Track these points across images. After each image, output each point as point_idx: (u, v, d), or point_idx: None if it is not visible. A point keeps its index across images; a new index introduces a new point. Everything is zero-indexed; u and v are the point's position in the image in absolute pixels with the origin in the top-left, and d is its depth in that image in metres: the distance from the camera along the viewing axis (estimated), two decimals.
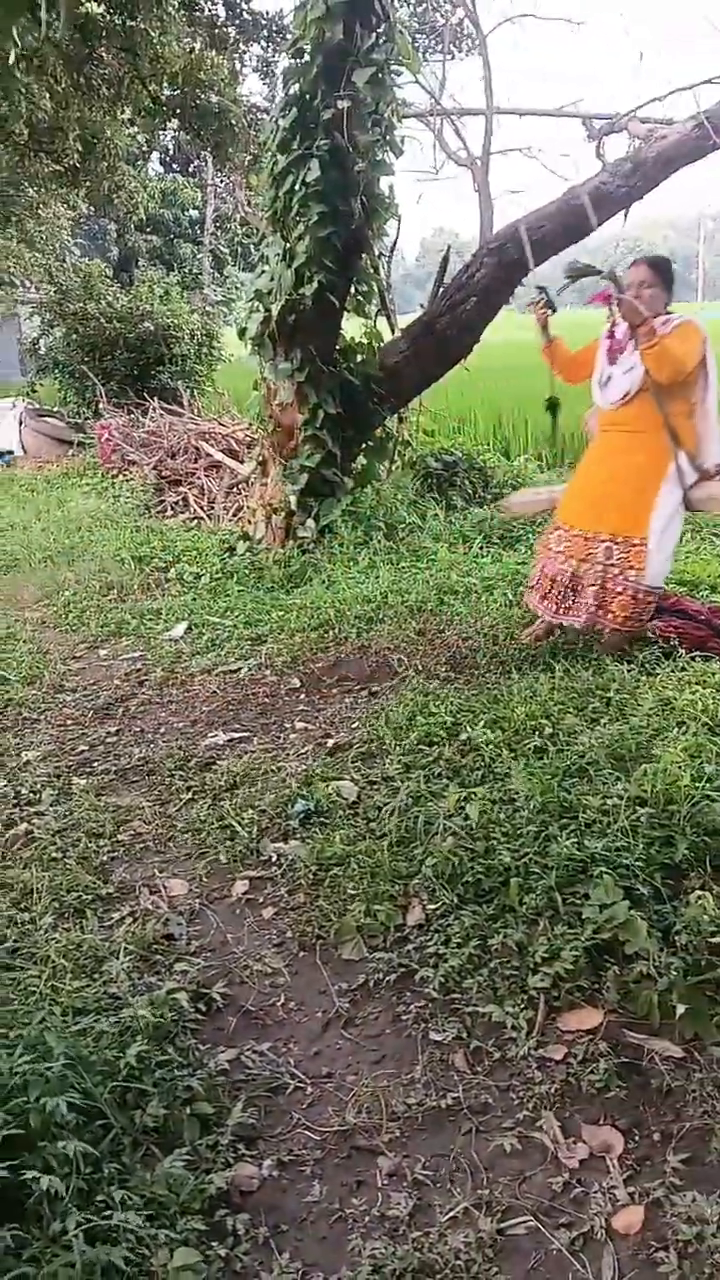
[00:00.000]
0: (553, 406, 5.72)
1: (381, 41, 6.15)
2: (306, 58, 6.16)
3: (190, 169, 28.73)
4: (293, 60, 6.23)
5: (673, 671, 4.31)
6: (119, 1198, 1.96)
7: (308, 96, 6.21)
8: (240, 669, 5.28)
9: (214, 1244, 1.95)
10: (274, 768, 4.00)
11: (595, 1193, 2.03)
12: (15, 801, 3.81)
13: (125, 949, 2.83)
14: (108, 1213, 1.92)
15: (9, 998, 2.46)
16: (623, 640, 4.64)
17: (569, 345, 5.08)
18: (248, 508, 7.85)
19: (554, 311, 5.05)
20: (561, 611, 4.76)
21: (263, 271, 6.76)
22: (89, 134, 13.11)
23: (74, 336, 14.00)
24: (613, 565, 4.57)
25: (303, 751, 4.16)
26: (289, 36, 12.59)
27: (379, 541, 6.84)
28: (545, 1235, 1.95)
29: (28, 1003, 2.47)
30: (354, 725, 4.33)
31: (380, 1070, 2.41)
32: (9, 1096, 2.03)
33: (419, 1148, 2.19)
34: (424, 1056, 2.43)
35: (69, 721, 4.73)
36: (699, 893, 2.65)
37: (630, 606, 4.56)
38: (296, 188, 6.19)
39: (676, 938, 2.56)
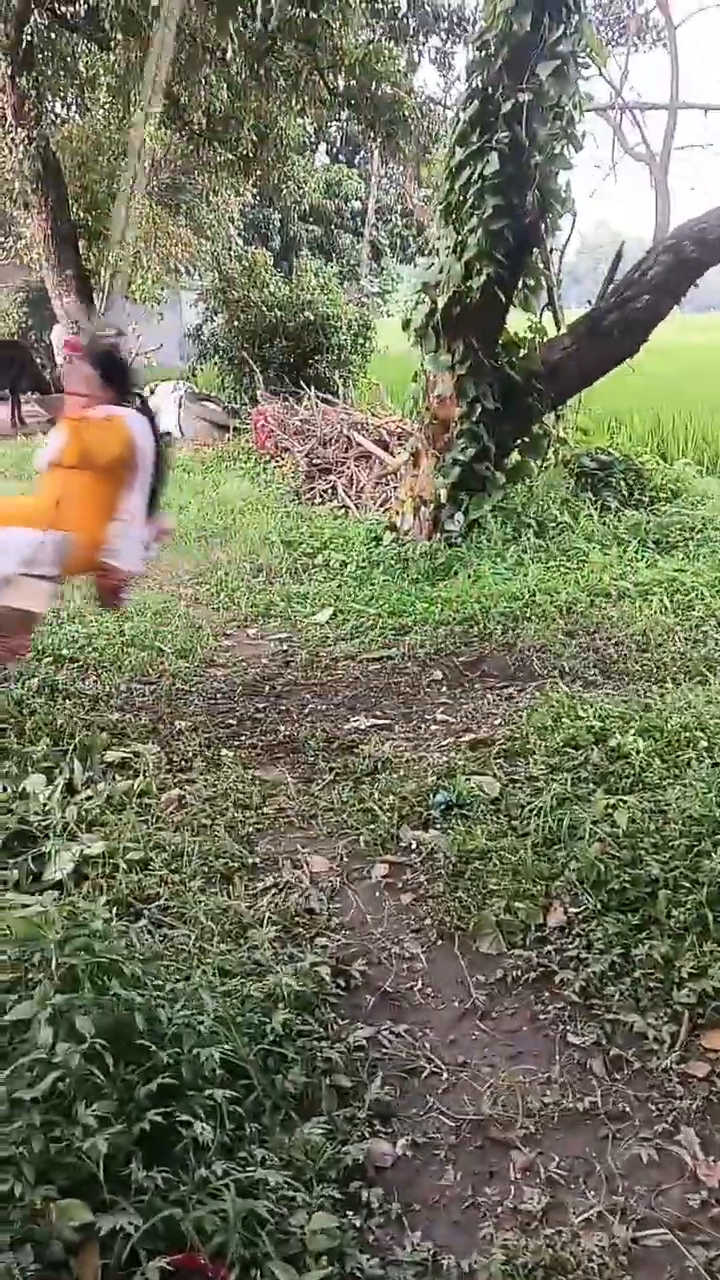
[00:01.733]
0: None
1: (568, 34, 6.06)
2: (491, 50, 6.13)
3: (355, 160, 29.00)
4: (478, 52, 6.21)
5: None
6: (260, 1156, 2.04)
7: (490, 89, 6.19)
8: (383, 657, 5.33)
9: (349, 1213, 2.00)
10: (415, 757, 4.03)
11: None
12: (169, 768, 3.96)
13: (269, 918, 2.92)
14: (249, 1168, 1.99)
15: (163, 953, 2.57)
16: None
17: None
18: (396, 499, 7.90)
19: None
20: None
21: (431, 264, 6.78)
22: (263, 124, 13.40)
23: (235, 324, 14.34)
24: None
25: (444, 744, 4.18)
26: (469, 28, 12.55)
27: (529, 539, 6.77)
28: (681, 1250, 1.92)
29: (180, 960, 2.58)
30: (496, 722, 4.32)
31: (517, 1066, 2.41)
32: (165, 1045, 2.13)
33: (554, 1146, 2.19)
34: (561, 1058, 2.42)
35: (219, 695, 4.89)
36: None
37: None
38: (473, 180, 6.18)
39: None
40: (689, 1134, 2.18)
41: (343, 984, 2.70)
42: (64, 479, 4.08)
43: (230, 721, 4.54)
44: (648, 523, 7.29)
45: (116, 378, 4.20)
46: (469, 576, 6.31)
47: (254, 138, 13.22)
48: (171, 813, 3.59)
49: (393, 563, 6.92)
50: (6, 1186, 1.80)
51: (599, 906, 2.83)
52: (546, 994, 2.64)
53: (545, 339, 7.11)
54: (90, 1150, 1.87)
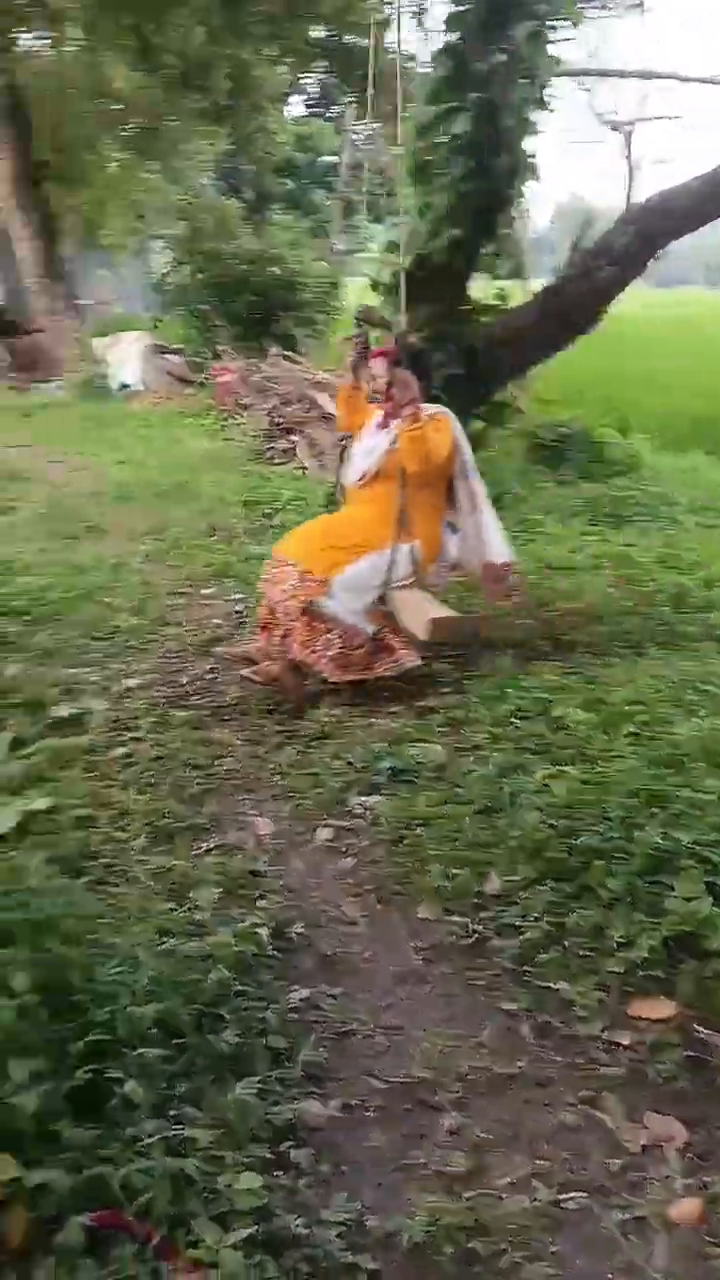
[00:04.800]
0: None
1: None
2: (469, 5, 6.02)
3: (328, 114, 28.40)
4: (455, 7, 6.09)
5: None
6: (191, 1115, 2.06)
7: (464, 47, 6.08)
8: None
9: (278, 1173, 2.03)
10: (364, 723, 4.05)
11: (653, 1180, 2.05)
12: (118, 725, 3.94)
13: (212, 879, 2.93)
14: (179, 1126, 2.01)
15: (103, 911, 2.57)
16: None
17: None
18: None
19: (367, 353, 4.32)
20: None
21: (396, 223, 6.69)
22: (238, 72, 13.07)
23: (201, 275, 14.08)
24: None
25: (392, 710, 4.19)
26: None
27: None
28: (600, 1213, 1.98)
29: (120, 918, 2.58)
30: (445, 690, 4.34)
31: (448, 1030, 2.45)
32: (100, 1003, 2.13)
33: (481, 1110, 2.23)
34: (492, 1023, 2.47)
35: (170, 655, 4.86)
36: None
37: None
38: (442, 140, 6.09)
39: None
40: (612, 1100, 2.23)
41: (282, 946, 2.72)
42: (397, 490, 4.07)
43: (181, 681, 4.52)
44: (603, 497, 7.33)
45: (422, 374, 4.22)
46: None
47: (228, 85, 12.89)
48: (118, 771, 3.58)
49: None
50: None
51: (535, 875, 2.88)
52: (481, 960, 2.68)
53: (509, 306, 7.07)
54: (20, 1105, 1.87)
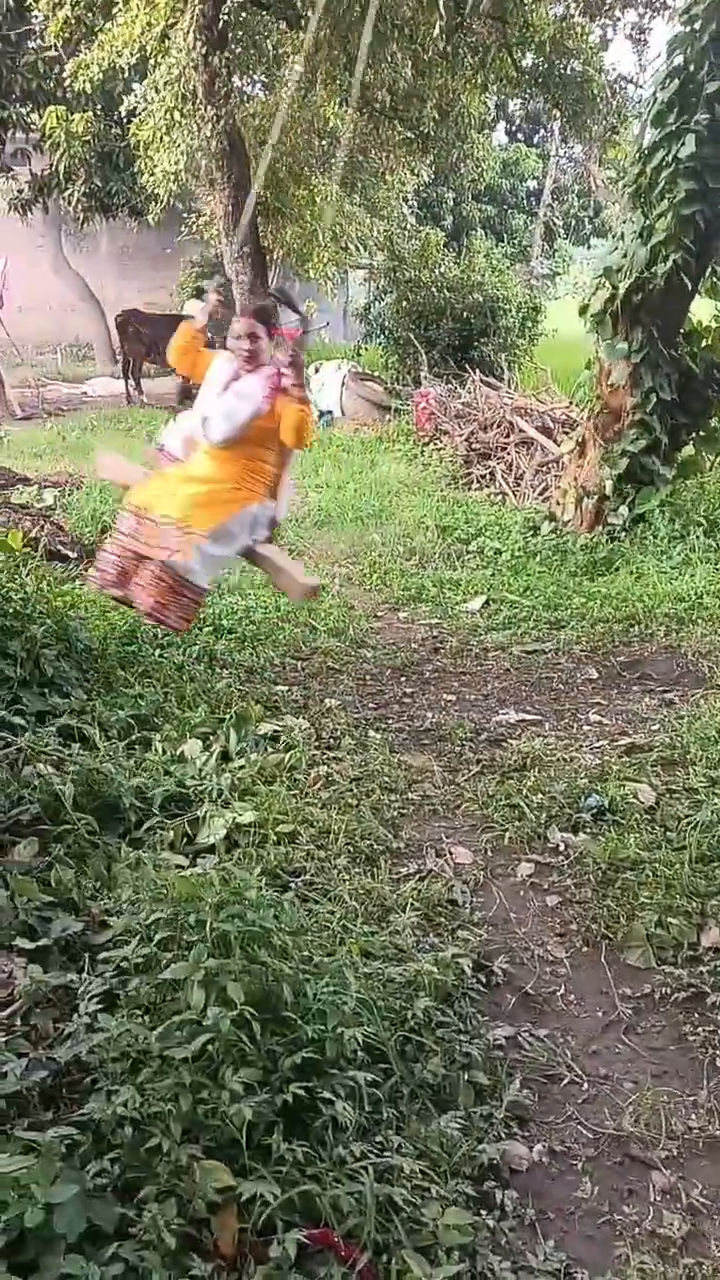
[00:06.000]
0: None
1: None
2: (698, 26, 5.86)
3: (534, 139, 28.36)
4: (682, 28, 5.94)
5: None
6: (396, 1142, 2.05)
7: (692, 68, 5.91)
8: (536, 651, 5.24)
9: (481, 1212, 1.98)
10: (566, 756, 3.95)
11: None
12: (318, 744, 4.01)
13: (412, 904, 2.92)
14: (386, 1153, 2.00)
15: (309, 927, 2.60)
16: None
17: None
18: (558, 488, 7.74)
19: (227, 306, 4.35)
20: None
21: (614, 248, 6.57)
22: (445, 101, 13.23)
23: (404, 304, 14.30)
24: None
25: (596, 745, 4.07)
26: (669, 2, 12.04)
27: (697, 538, 6.51)
28: None
29: (323, 936, 2.61)
30: (654, 728, 4.18)
31: (662, 1085, 2.34)
32: (309, 1020, 2.16)
33: (697, 1172, 2.11)
34: (711, 1082, 2.33)
35: (368, 676, 4.91)
36: None
37: None
38: (666, 163, 5.93)
39: None
40: None
41: (483, 980, 2.68)
42: (264, 453, 4.21)
43: (378, 703, 4.56)
44: None
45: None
46: (631, 573, 6.13)
47: (435, 115, 13.07)
48: (319, 789, 3.63)
49: (550, 554, 6.79)
50: (155, 1141, 1.87)
51: None
52: (697, 1015, 2.54)
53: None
54: (235, 1115, 1.91)
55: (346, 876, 3.07)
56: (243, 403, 4.09)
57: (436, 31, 7.60)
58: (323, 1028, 2.15)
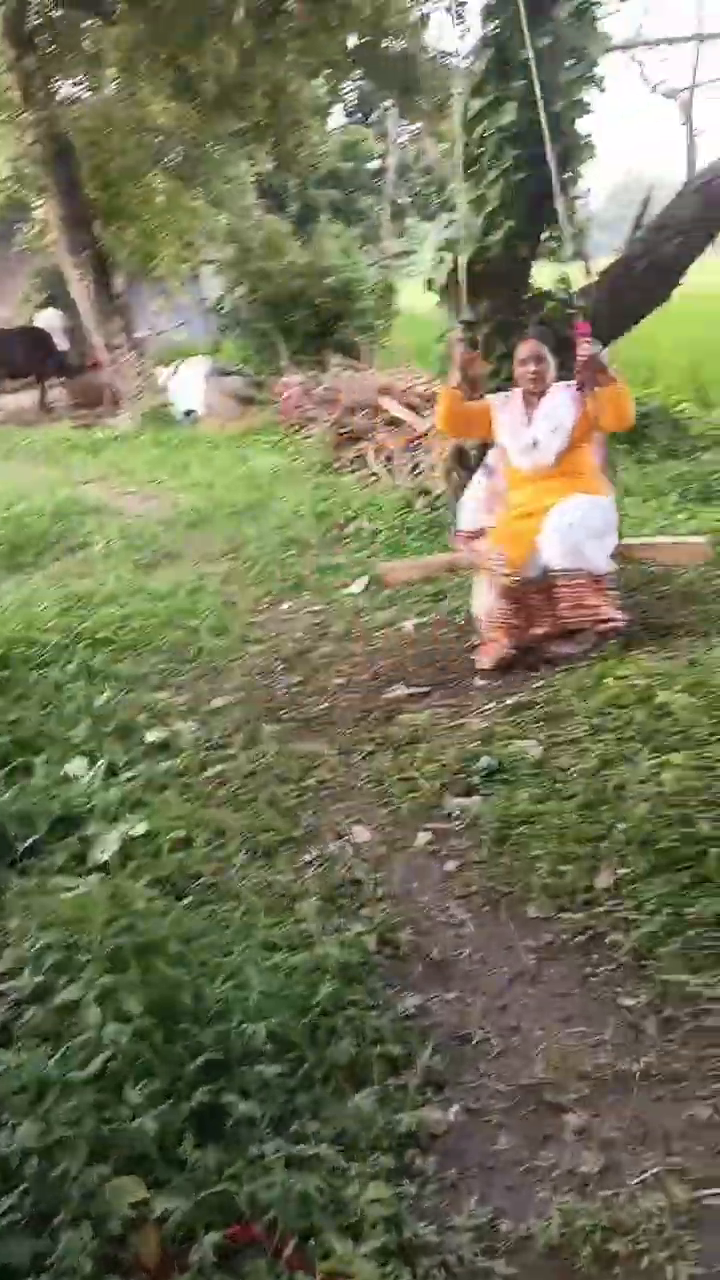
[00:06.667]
0: None
1: None
2: None
3: (370, 120, 28.47)
4: None
5: None
6: (312, 1129, 2.04)
7: (505, 35, 5.99)
8: (420, 624, 5.28)
9: (404, 1181, 1.99)
10: (455, 724, 3.99)
11: None
12: (208, 745, 3.97)
13: (314, 890, 2.92)
14: (300, 1143, 2.00)
15: (208, 930, 2.57)
16: None
17: None
18: (427, 463, 7.81)
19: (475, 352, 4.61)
20: None
21: (451, 220, 6.63)
22: (275, 89, 13.17)
23: (256, 295, 14.24)
24: None
25: (484, 709, 4.13)
26: None
27: None
28: None
29: (225, 936, 2.58)
30: (536, 685, 4.25)
31: (568, 1029, 2.39)
32: (211, 1022, 2.13)
33: (609, 1109, 2.16)
34: (614, 1020, 2.39)
35: (255, 671, 4.88)
36: None
37: None
38: (490, 132, 6.01)
39: None
40: None
41: (390, 953, 2.69)
42: (591, 449, 4.54)
43: (267, 697, 4.53)
44: (688, 473, 7.13)
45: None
46: None
47: (266, 104, 13.01)
48: (213, 790, 3.60)
49: (426, 528, 6.84)
50: (63, 1167, 1.82)
51: (648, 867, 2.78)
52: (596, 956, 2.61)
53: (574, 290, 6.94)
54: (141, 1129, 1.88)
55: (246, 873, 3.05)
56: (562, 412, 4.35)
57: (241, 16, 7.51)
58: (226, 1027, 2.13)
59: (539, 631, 4.40)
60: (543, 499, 4.42)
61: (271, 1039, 2.17)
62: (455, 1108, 2.19)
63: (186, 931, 2.47)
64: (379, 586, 5.88)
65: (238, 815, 3.37)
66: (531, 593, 4.37)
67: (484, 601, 4.52)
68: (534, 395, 4.47)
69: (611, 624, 4.31)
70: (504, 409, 4.62)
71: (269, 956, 2.49)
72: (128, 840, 3.12)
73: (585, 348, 4.32)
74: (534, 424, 4.47)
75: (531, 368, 4.37)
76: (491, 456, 4.84)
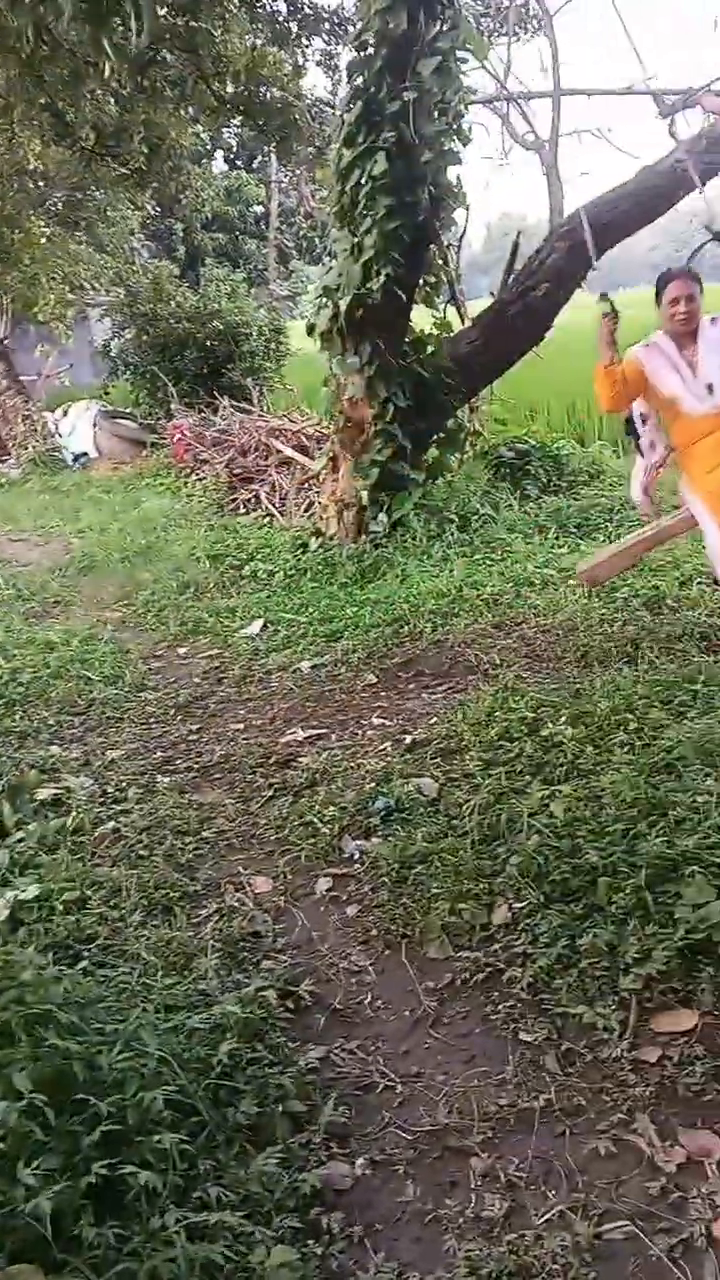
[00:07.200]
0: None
1: (446, 29, 6.08)
2: (371, 50, 6.13)
3: (253, 165, 28.84)
4: (357, 53, 6.20)
5: None
6: (215, 1195, 2.00)
7: (373, 89, 6.18)
8: (317, 665, 5.30)
9: (310, 1242, 1.96)
10: (353, 764, 4.01)
11: (694, 1198, 1.99)
12: (103, 800, 3.88)
13: (213, 946, 2.87)
14: (204, 1211, 1.95)
15: (104, 995, 2.50)
16: None
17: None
18: (319, 504, 7.88)
19: (616, 328, 4.38)
20: None
21: (330, 267, 6.76)
22: (154, 135, 13.21)
23: (144, 338, 14.18)
24: None
25: (381, 748, 4.16)
26: (351, 30, 12.53)
27: (452, 534, 6.80)
28: (644, 1241, 1.92)
29: (121, 999, 2.52)
30: (432, 721, 4.31)
31: (470, 1070, 2.40)
32: (107, 1092, 2.07)
33: (512, 1149, 2.18)
34: (514, 1057, 2.41)
35: (151, 720, 4.81)
36: None
37: None
38: (363, 182, 6.17)
39: None
40: (644, 1121, 2.18)
41: (291, 1006, 2.66)
42: None
43: (164, 746, 4.47)
44: (568, 507, 7.36)
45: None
46: (396, 576, 6.31)
47: (145, 150, 13.04)
48: (107, 847, 3.52)
49: (320, 568, 6.89)
50: None
51: (542, 899, 2.84)
52: (496, 993, 2.63)
53: (451, 334, 7.14)
54: (36, 1211, 1.81)
55: (144, 932, 2.98)
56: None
57: (108, 73, 7.55)
58: (122, 1096, 2.07)
59: None
60: None
61: (171, 1105, 2.11)
62: (360, 1160, 2.18)
63: (81, 998, 2.39)
64: (275, 626, 5.87)
65: (134, 872, 3.29)
66: None
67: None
68: (685, 336, 4.19)
69: None
70: (652, 358, 4.32)
71: (168, 1018, 2.44)
72: (16, 905, 3.02)
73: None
74: (702, 366, 4.19)
75: (682, 308, 4.10)
76: (647, 434, 4.57)
